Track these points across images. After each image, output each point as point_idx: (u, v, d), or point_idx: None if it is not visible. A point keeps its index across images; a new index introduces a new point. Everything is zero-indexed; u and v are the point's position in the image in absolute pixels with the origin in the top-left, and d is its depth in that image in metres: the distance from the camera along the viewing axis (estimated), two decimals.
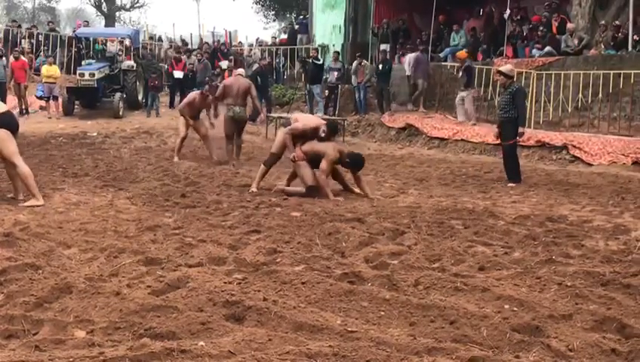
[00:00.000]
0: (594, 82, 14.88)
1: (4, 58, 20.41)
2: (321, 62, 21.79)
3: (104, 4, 46.18)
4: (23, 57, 20.65)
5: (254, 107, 14.64)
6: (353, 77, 20.59)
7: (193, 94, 13.75)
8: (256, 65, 22.31)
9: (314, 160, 9.40)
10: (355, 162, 9.47)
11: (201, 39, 28.30)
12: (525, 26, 19.25)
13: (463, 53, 18.18)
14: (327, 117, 19.20)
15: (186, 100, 13.78)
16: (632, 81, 14.10)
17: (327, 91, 20.80)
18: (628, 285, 5.05)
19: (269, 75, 22.68)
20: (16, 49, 21.32)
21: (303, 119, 10.19)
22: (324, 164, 9.24)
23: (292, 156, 9.54)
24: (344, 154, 9.48)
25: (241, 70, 14.24)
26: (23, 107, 19.95)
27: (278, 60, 25.25)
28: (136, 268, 5.36)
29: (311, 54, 22.54)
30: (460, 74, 17.69)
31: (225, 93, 12.91)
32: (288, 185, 9.80)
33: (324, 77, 21.15)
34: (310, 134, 9.62)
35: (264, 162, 10.09)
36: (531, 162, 13.64)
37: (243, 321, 4.20)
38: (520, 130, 10.84)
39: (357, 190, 9.57)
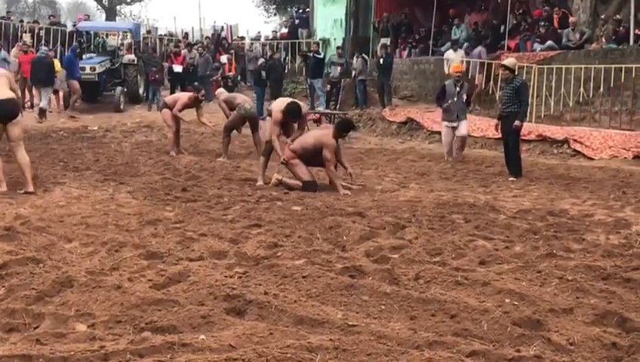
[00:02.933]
0: (595, 76, 14.85)
1: (3, 51, 20.40)
2: (322, 56, 21.77)
3: None
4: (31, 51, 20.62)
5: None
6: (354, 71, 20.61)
7: (184, 96, 13.58)
8: (261, 60, 22.28)
9: (311, 153, 9.37)
10: (344, 127, 9.52)
11: (214, 34, 28.10)
12: (527, 19, 19.21)
13: (459, 67, 14.03)
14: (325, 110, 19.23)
15: (174, 97, 13.76)
16: (633, 75, 14.07)
17: (329, 86, 20.79)
18: (629, 279, 5.05)
19: (282, 70, 22.34)
20: (25, 42, 21.24)
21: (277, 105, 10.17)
22: (327, 154, 9.16)
23: (282, 159, 9.56)
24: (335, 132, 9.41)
25: (221, 90, 14.56)
26: (27, 101, 19.89)
27: (279, 54, 25.24)
28: (137, 262, 5.37)
29: (312, 48, 22.51)
30: (464, 96, 12.94)
31: (229, 102, 12.95)
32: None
33: (327, 71, 21.14)
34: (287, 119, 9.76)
35: (262, 153, 10.14)
36: (532, 156, 13.63)
37: (244, 315, 4.21)
38: (517, 122, 10.82)
39: (347, 166, 9.59)
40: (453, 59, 18.44)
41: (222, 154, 12.69)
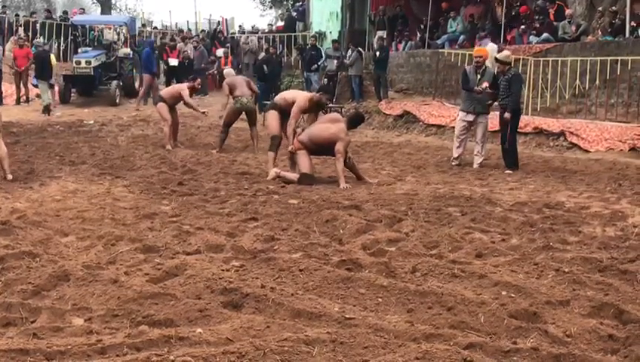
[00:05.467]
0: (591, 69, 14.84)
1: None
2: (321, 51, 21.76)
3: None
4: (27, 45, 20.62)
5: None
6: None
7: (180, 86, 13.77)
8: (262, 54, 22.25)
9: (322, 146, 9.38)
10: (356, 121, 9.90)
11: (216, 31, 27.95)
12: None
13: (480, 51, 12.08)
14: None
15: (169, 90, 13.82)
16: (629, 67, 14.05)
17: (326, 79, 20.77)
18: (625, 271, 5.07)
19: (279, 64, 22.44)
20: (20, 36, 21.19)
21: (296, 96, 10.20)
22: (341, 148, 9.15)
23: (290, 148, 9.56)
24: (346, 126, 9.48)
25: (230, 70, 14.34)
26: (23, 95, 19.87)
27: (274, 48, 25.20)
28: (133, 256, 5.37)
29: (309, 42, 22.50)
30: (484, 85, 11.04)
31: (230, 88, 12.87)
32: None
33: (323, 64, 21.12)
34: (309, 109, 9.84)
35: (269, 148, 10.01)
36: (528, 149, 13.63)
37: (241, 308, 4.22)
38: (506, 115, 10.85)
39: (367, 178, 9.63)
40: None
41: (216, 148, 12.71)
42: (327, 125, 9.44)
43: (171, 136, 13.16)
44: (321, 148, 9.39)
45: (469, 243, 6.04)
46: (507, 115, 10.83)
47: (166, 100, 13.12)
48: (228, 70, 14.16)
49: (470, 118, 11.29)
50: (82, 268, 4.89)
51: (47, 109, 18.10)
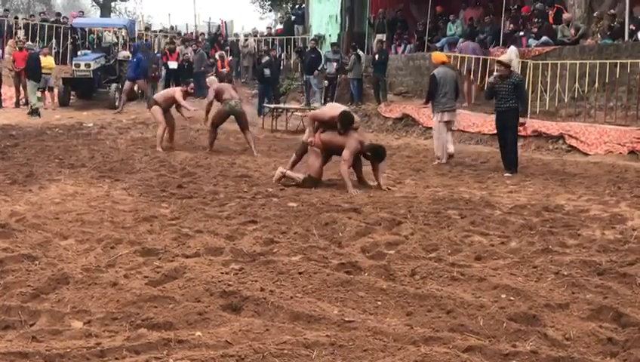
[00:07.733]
0: (590, 72, 14.85)
1: None
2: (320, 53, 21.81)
3: None
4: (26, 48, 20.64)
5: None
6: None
7: (174, 89, 14.01)
8: (266, 58, 22.29)
9: (333, 149, 9.38)
10: (375, 154, 9.43)
11: (217, 34, 27.94)
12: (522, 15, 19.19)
13: (439, 56, 13.43)
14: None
15: (163, 94, 13.99)
16: (628, 70, 14.07)
17: (326, 82, 20.80)
18: (624, 274, 5.06)
19: (279, 67, 22.54)
20: (20, 39, 21.20)
21: (330, 109, 10.14)
22: (346, 154, 9.15)
23: (309, 140, 9.51)
24: (365, 146, 9.38)
25: (212, 78, 14.60)
26: (22, 98, 19.87)
27: (275, 51, 25.19)
28: (133, 259, 5.37)
29: (309, 45, 22.53)
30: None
31: (217, 95, 12.94)
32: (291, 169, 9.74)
33: (323, 67, 21.15)
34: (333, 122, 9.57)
35: (296, 151, 10.01)
36: (528, 152, 13.63)
37: (240, 311, 4.21)
38: (522, 120, 11.13)
39: (371, 183, 9.57)
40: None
41: (207, 148, 12.97)
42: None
43: (163, 138, 13.25)
44: (335, 149, 9.41)
45: (469, 246, 6.04)
46: (522, 120, 11.24)
47: (160, 103, 13.22)
48: (211, 78, 14.39)
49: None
50: (81, 271, 4.89)
51: (34, 112, 18.01)
